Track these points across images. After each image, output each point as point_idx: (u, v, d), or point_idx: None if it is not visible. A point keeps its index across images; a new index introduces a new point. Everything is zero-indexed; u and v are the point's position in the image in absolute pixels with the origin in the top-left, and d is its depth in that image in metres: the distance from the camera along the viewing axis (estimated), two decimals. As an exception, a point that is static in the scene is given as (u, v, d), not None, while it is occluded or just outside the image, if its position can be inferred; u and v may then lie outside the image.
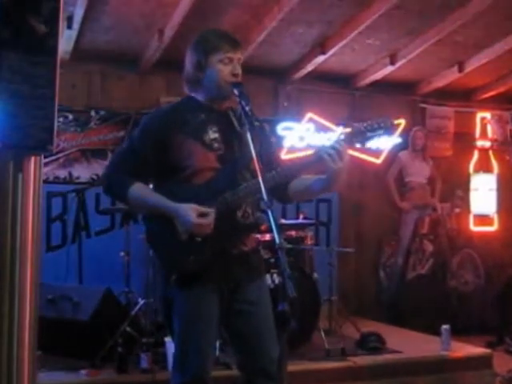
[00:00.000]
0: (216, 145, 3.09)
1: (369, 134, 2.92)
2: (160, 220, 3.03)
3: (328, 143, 2.96)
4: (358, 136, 2.93)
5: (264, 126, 3.23)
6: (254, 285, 3.16)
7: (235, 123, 3.15)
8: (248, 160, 2.93)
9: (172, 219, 2.99)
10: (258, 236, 5.49)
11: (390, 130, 2.93)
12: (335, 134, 7.60)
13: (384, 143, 7.93)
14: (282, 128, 7.78)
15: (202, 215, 2.94)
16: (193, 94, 3.20)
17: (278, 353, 3.05)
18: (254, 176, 2.87)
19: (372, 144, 2.90)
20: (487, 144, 8.91)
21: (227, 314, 3.11)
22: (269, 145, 3.24)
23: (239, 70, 3.10)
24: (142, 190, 3.10)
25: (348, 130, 2.95)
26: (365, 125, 2.92)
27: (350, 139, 2.95)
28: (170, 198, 3.01)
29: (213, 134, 3.10)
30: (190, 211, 2.94)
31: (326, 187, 3.05)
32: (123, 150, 3.19)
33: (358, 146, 2.96)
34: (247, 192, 2.99)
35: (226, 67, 3.07)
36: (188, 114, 3.11)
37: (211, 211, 2.96)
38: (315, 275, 6.00)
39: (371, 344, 5.81)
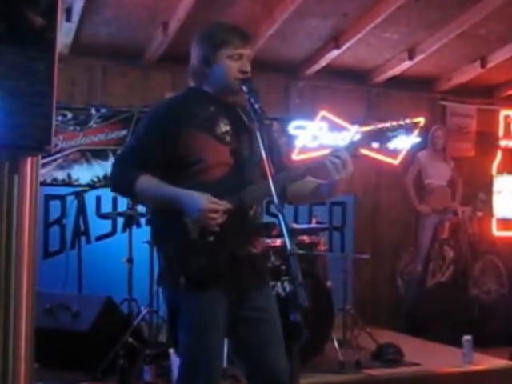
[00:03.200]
0: (228, 138, 3.08)
1: (389, 134, 2.93)
2: (169, 216, 3.00)
3: (341, 144, 2.98)
4: (377, 136, 2.94)
5: (269, 127, 3.24)
6: (262, 292, 3.15)
7: (244, 118, 3.15)
8: (258, 157, 2.95)
9: (181, 208, 2.94)
10: (269, 241, 5.51)
11: (410, 129, 2.95)
12: (351, 133, 7.58)
13: (402, 143, 7.88)
14: (293, 127, 7.77)
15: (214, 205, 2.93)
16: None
17: (287, 364, 3.04)
18: (264, 175, 2.88)
19: (390, 144, 2.92)
20: (511, 144, 8.88)
21: (233, 321, 3.09)
22: (276, 145, 3.26)
23: (248, 67, 3.09)
24: (150, 181, 3.03)
25: (365, 129, 2.96)
26: (386, 125, 2.92)
27: (367, 139, 2.95)
28: None
29: (224, 127, 3.09)
30: (202, 197, 2.92)
31: (326, 194, 3.15)
32: (129, 146, 3.16)
33: (375, 146, 2.96)
34: (261, 193, 3.01)
35: (234, 63, 3.05)
36: (197, 106, 3.09)
37: (225, 203, 2.95)
38: (329, 283, 5.99)
39: (388, 356, 5.79)
